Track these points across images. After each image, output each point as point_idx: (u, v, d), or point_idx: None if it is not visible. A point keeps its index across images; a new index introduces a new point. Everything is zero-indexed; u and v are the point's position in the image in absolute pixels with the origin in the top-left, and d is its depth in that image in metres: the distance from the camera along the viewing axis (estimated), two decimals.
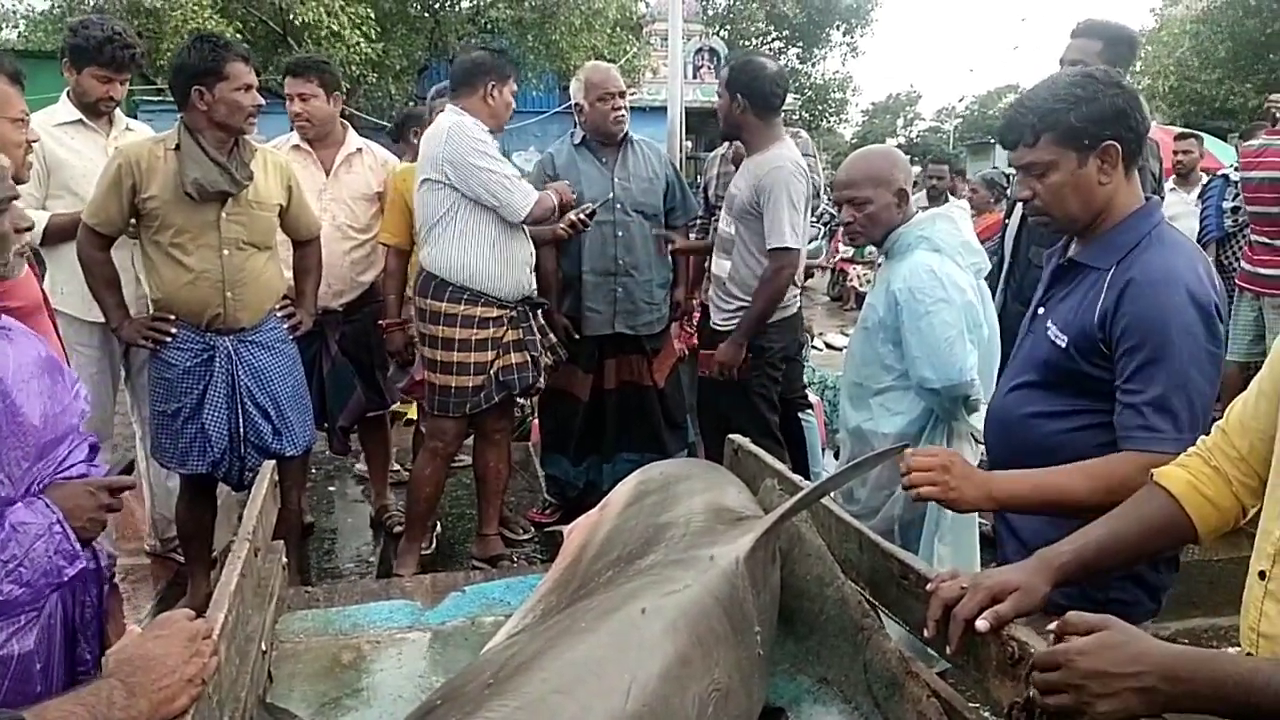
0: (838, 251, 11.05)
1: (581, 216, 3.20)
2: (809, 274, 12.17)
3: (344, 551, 3.74)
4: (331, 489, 4.48)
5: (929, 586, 1.27)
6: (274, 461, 2.06)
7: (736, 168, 3.80)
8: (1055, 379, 1.65)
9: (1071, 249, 1.73)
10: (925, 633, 1.24)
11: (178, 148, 2.57)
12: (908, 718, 1.31)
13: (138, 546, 3.53)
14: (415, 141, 3.80)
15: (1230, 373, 4.55)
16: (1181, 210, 5.29)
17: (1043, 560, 1.27)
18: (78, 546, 1.39)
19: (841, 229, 2.51)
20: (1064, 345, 1.62)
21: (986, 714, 1.40)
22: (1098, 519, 1.34)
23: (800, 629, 1.61)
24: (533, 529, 3.85)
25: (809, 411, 3.83)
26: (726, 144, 3.92)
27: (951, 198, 6.41)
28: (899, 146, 13.66)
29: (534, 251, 3.20)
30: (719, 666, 1.10)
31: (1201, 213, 5.38)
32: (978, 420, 2.34)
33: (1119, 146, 1.55)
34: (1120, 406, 1.55)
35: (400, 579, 2.24)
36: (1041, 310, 1.73)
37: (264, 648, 1.61)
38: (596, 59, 15.41)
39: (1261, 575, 1.11)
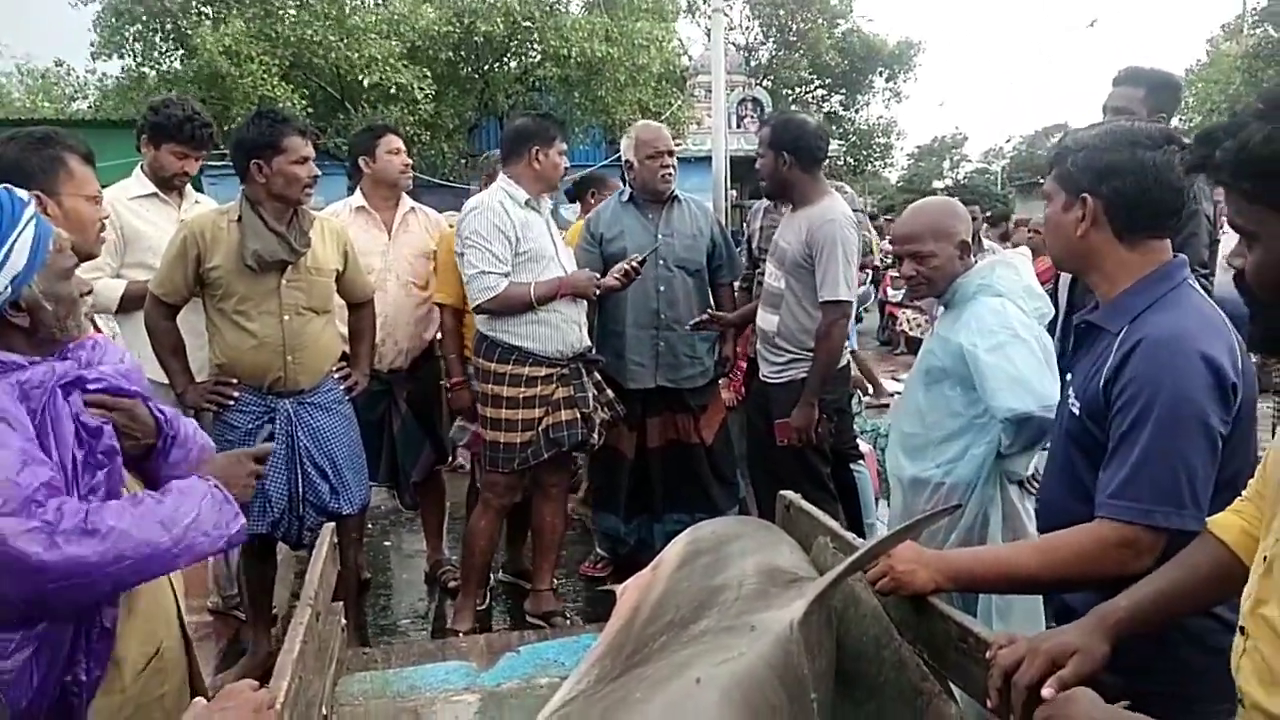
0: (886, 295, 10.96)
1: (632, 265, 3.24)
2: (858, 318, 12.14)
3: (400, 607, 3.77)
4: (388, 543, 4.54)
5: (988, 654, 1.25)
6: (333, 523, 2.10)
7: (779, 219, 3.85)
8: (1078, 450, 1.59)
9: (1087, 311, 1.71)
10: (989, 702, 1.22)
11: (239, 219, 2.69)
12: None
13: (201, 604, 3.60)
14: (594, 202, 4.09)
15: None
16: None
17: (1099, 618, 1.25)
18: (237, 505, 1.52)
19: (905, 283, 2.49)
20: (1078, 413, 1.57)
21: None
22: (1155, 571, 1.32)
23: (858, 693, 1.59)
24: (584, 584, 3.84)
25: (860, 462, 3.79)
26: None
27: (982, 238, 6.31)
28: (946, 189, 13.60)
29: (584, 309, 3.25)
30: None
31: None
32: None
33: (1093, 201, 1.51)
34: (1100, 471, 1.49)
35: (456, 639, 2.26)
36: (1069, 376, 1.70)
37: (324, 712, 1.64)
38: (642, 112, 15.79)
39: (1241, 630, 1.09)
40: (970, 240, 2.32)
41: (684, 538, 1.88)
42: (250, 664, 3.01)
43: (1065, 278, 3.02)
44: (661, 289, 3.52)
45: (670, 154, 3.55)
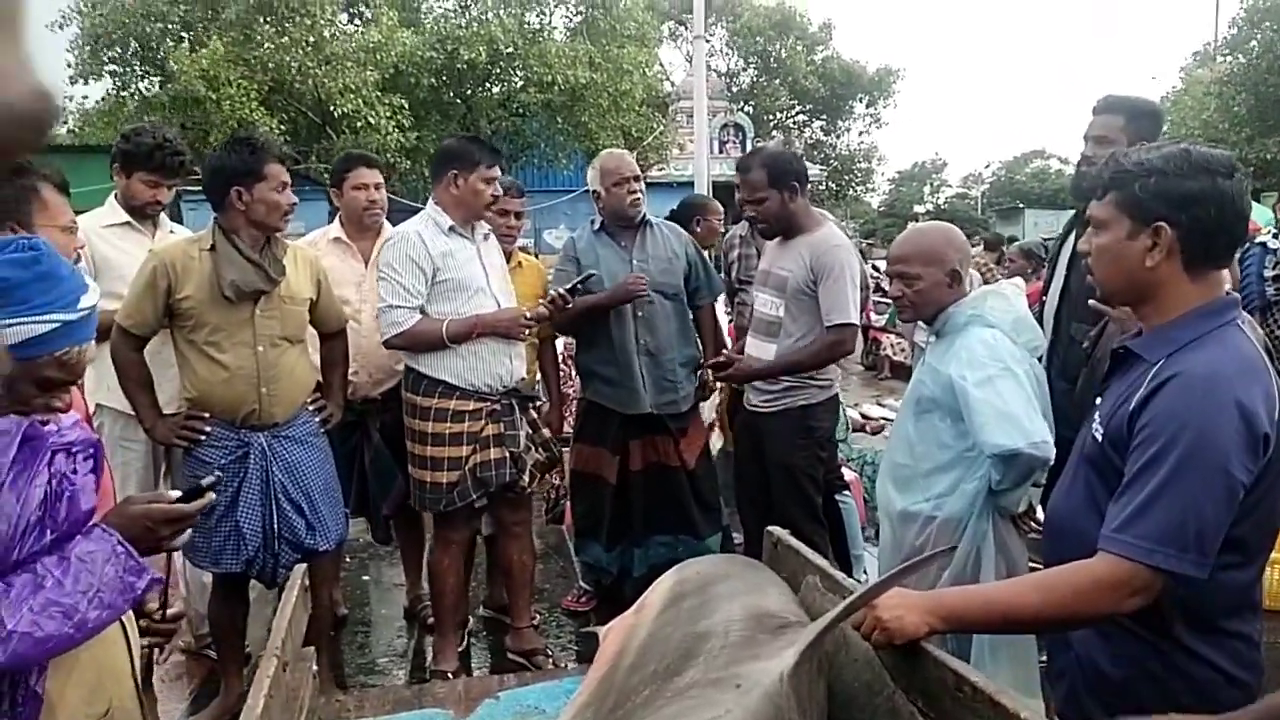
0: (870, 320, 10.99)
1: (561, 293, 3.18)
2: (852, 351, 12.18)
3: (378, 645, 3.68)
4: (366, 577, 4.43)
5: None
6: (305, 566, 2.03)
7: (757, 249, 3.83)
8: (1098, 477, 1.55)
9: (1125, 336, 1.67)
10: None
11: (213, 248, 2.62)
12: None
13: (173, 645, 3.50)
14: (699, 230, 4.25)
15: None
16: None
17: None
18: (143, 561, 1.38)
19: (893, 302, 2.48)
20: (1100, 439, 1.53)
21: None
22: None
23: None
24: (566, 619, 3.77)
25: (846, 492, 3.75)
26: (745, 225, 3.95)
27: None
28: (927, 214, 13.71)
29: (519, 342, 3.15)
30: None
31: (1241, 282, 5.26)
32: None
33: (1171, 231, 1.44)
34: (1111, 503, 1.45)
35: (433, 684, 2.18)
36: (1099, 400, 1.64)
37: None
38: (624, 137, 15.84)
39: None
40: (962, 270, 2.29)
41: (668, 578, 1.83)
42: (221, 707, 2.91)
43: (1051, 303, 3.00)
44: (640, 314, 3.48)
45: (636, 179, 3.52)
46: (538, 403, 3.32)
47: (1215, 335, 1.47)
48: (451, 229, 3.03)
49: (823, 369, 3.28)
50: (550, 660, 3.32)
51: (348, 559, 4.44)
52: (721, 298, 4.07)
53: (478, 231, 3.13)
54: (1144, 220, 1.47)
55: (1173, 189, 1.44)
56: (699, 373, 3.64)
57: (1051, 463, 2.12)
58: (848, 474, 4.21)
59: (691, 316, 3.65)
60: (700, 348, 3.70)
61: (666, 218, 4.01)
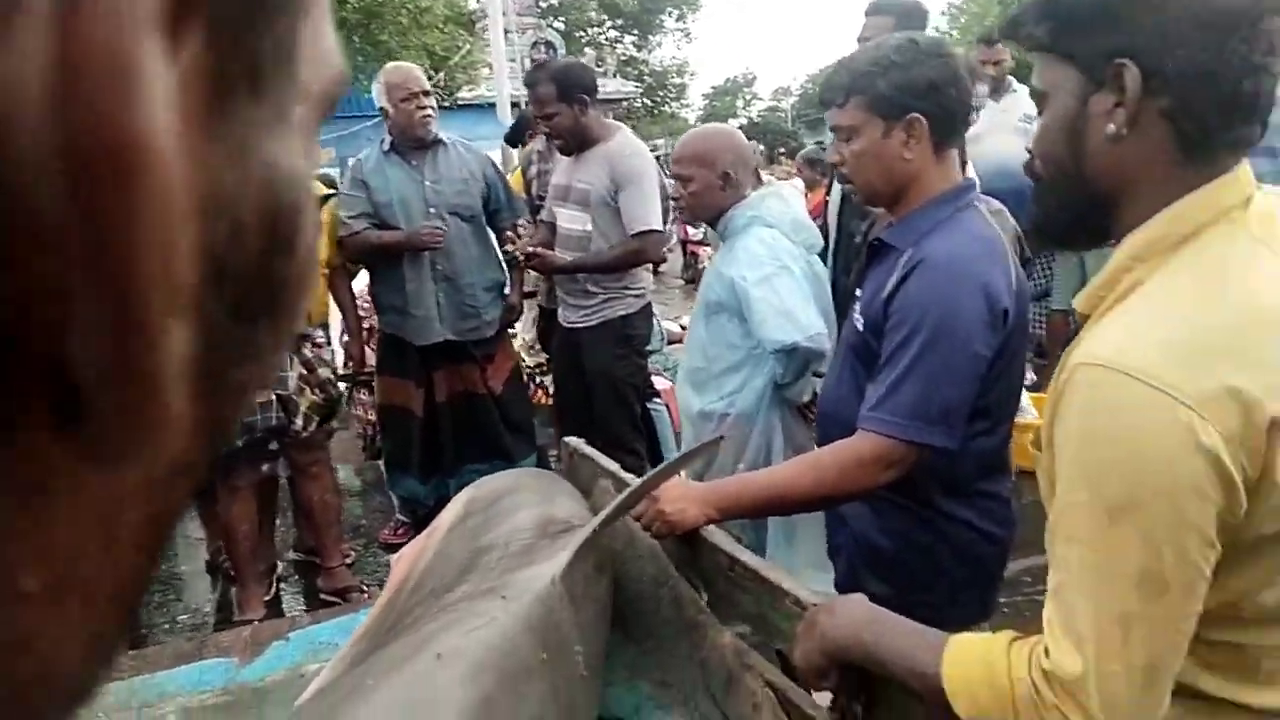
0: (686, 234, 11.16)
1: None
2: (661, 259, 12.26)
3: (179, 602, 3.47)
4: None
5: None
6: None
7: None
8: (861, 365, 1.62)
9: (881, 228, 1.73)
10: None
11: None
12: (744, 711, 1.28)
13: None
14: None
15: (1056, 322, 4.81)
16: (996, 123, 4.29)
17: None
18: None
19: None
20: (861, 329, 1.60)
21: (819, 700, 1.39)
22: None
23: (638, 633, 1.57)
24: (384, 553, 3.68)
25: (658, 400, 3.81)
26: (542, 140, 3.87)
27: (762, 175, 6.48)
28: (741, 127, 13.96)
29: None
30: (529, 701, 1.02)
31: None
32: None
33: (924, 121, 1.50)
34: (869, 386, 1.54)
35: (216, 635, 2.06)
36: (858, 292, 1.72)
37: None
38: (429, 58, 15.09)
39: None
40: (735, 173, 2.31)
41: (460, 497, 1.78)
42: None
43: (834, 205, 3.11)
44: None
45: (426, 94, 3.35)
46: (317, 340, 3.15)
47: (955, 219, 1.54)
48: None
49: (636, 278, 3.31)
50: (366, 596, 3.24)
51: None
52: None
53: None
54: (896, 115, 1.50)
55: (915, 79, 1.49)
56: (506, 293, 3.57)
57: (827, 354, 2.22)
58: (663, 383, 4.29)
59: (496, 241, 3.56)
60: (506, 271, 3.61)
61: (505, 137, 3.84)
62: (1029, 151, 1.00)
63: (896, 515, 1.63)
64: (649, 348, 4.63)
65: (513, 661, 1.04)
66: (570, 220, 3.25)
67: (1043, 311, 4.75)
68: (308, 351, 3.07)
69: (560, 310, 3.41)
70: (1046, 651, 0.81)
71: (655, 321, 4.87)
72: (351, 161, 3.54)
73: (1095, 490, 0.78)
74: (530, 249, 3.27)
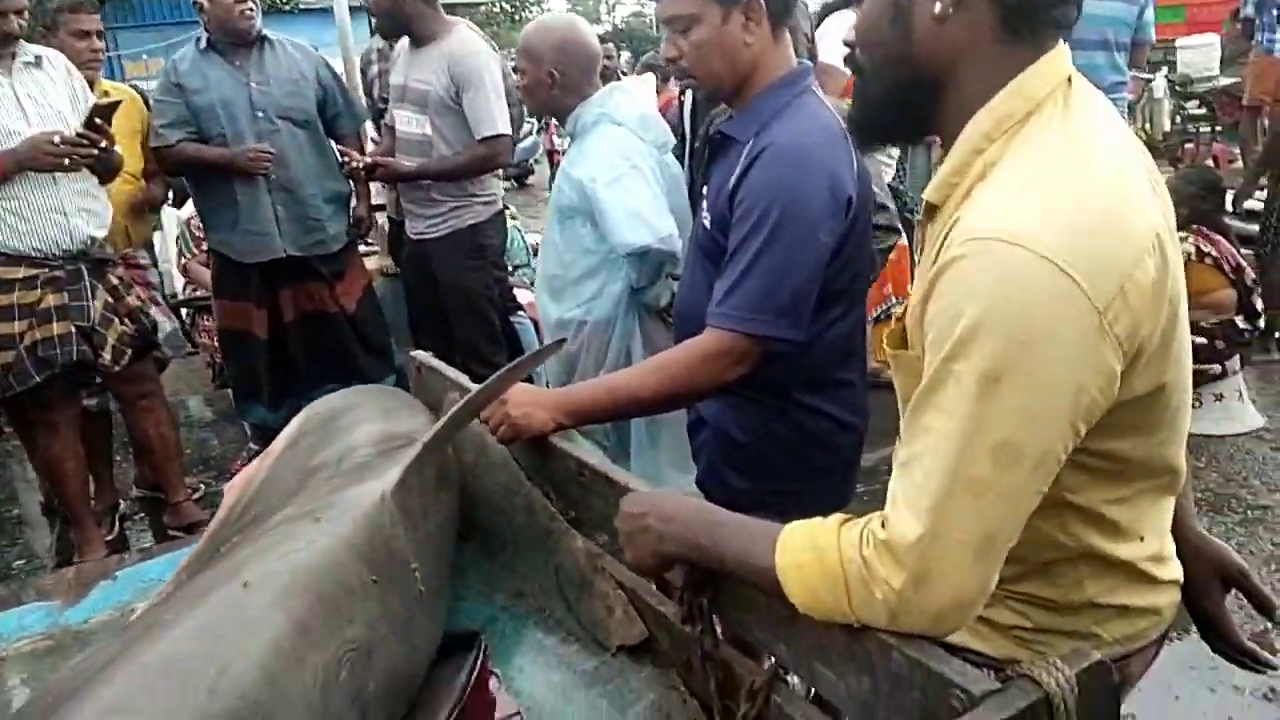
0: (553, 144, 10.88)
1: (84, 136, 2.57)
2: (529, 170, 11.93)
3: (11, 549, 3.22)
4: None
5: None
6: None
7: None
8: (709, 261, 1.57)
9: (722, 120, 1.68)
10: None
11: None
12: (598, 614, 1.26)
13: None
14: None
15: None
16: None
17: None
18: None
19: None
20: (709, 225, 1.56)
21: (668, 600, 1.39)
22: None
23: (492, 545, 1.52)
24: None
25: (521, 313, 3.73)
26: (381, 39, 3.62)
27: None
28: (603, 35, 13.52)
29: (86, 194, 2.68)
30: (354, 623, 0.96)
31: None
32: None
33: (763, 2, 1.45)
34: (716, 281, 1.50)
35: (36, 578, 1.91)
36: (704, 190, 1.66)
37: None
38: None
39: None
40: (560, 73, 2.19)
41: (297, 418, 1.68)
42: None
43: (689, 102, 3.04)
44: (269, 150, 3.09)
45: None
46: (139, 263, 2.89)
47: (795, 105, 1.50)
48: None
49: (486, 185, 3.16)
50: None
51: None
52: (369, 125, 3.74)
53: (18, 60, 2.56)
54: (731, 1, 1.45)
55: None
56: (352, 208, 3.35)
57: (680, 256, 2.18)
58: (527, 296, 4.19)
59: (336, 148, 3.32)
60: (350, 183, 3.38)
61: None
62: (846, 44, 0.97)
63: (753, 409, 1.61)
64: (517, 261, 4.53)
65: (330, 584, 0.97)
66: (407, 123, 3.06)
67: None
68: (114, 279, 2.79)
69: (407, 221, 3.24)
70: (884, 524, 0.80)
71: (520, 234, 4.75)
72: (164, 64, 3.20)
73: (977, 358, 0.76)
74: (370, 159, 3.08)
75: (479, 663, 1.19)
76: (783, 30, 1.51)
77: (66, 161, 2.54)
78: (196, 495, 3.26)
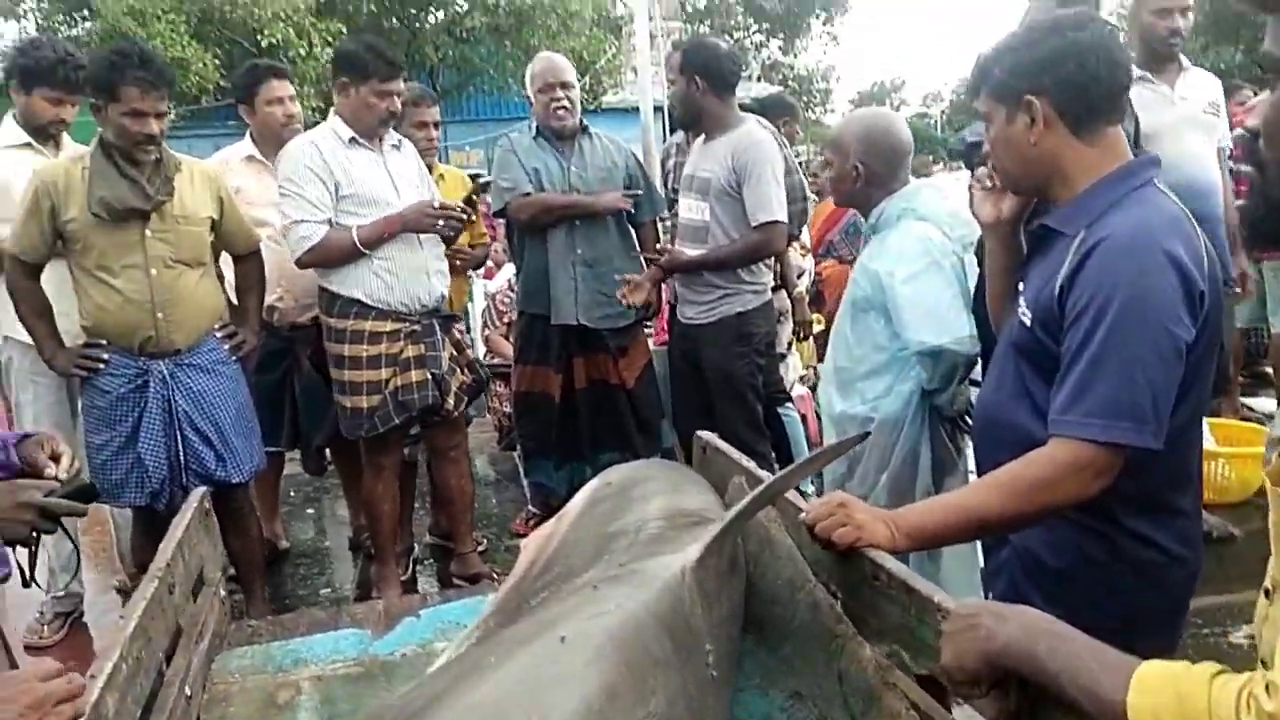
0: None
1: (451, 208, 2.93)
2: (799, 273, 12.02)
3: (321, 577, 3.60)
4: (310, 511, 4.34)
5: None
6: (203, 490, 1.92)
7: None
8: (1029, 364, 1.46)
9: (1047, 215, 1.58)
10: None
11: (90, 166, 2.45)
12: None
13: (107, 582, 3.41)
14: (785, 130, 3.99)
15: (1236, 340, 4.39)
16: (1171, 116, 3.27)
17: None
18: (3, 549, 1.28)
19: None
20: (1029, 323, 1.44)
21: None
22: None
23: (772, 639, 1.48)
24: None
25: (789, 405, 3.70)
26: (682, 134, 3.82)
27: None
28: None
29: (439, 258, 3.01)
30: (657, 695, 0.96)
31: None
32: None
33: (1036, 102, 1.37)
34: (1054, 387, 1.35)
35: (350, 606, 2.11)
36: (1021, 286, 1.54)
37: (188, 692, 1.48)
38: (577, 61, 15.37)
39: (1266, 593, 0.96)
40: (866, 166, 2.17)
41: (591, 484, 1.75)
42: None
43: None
44: (577, 224, 3.35)
45: (564, 86, 3.35)
46: (459, 323, 3.21)
47: (1134, 197, 1.38)
48: (353, 140, 2.86)
49: (757, 275, 3.23)
50: (496, 583, 3.27)
51: (293, 493, 4.35)
52: None
53: (386, 143, 2.96)
54: (1013, 100, 1.41)
55: (1026, 60, 1.40)
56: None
57: (978, 359, 2.06)
58: (800, 390, 4.16)
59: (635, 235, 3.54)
60: (645, 266, 3.58)
61: (757, 113, 3.80)
62: (1248, 131, 0.86)
63: (1070, 529, 1.44)
64: (775, 348, 4.52)
65: (639, 652, 0.98)
66: (689, 210, 3.20)
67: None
68: (456, 333, 3.11)
69: (679, 306, 3.36)
70: (1269, 689, 0.68)
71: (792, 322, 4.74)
72: (501, 139, 3.60)
73: None
74: (661, 247, 3.25)
75: None
76: (1096, 127, 1.40)
77: (440, 224, 2.90)
78: (480, 548, 3.48)
